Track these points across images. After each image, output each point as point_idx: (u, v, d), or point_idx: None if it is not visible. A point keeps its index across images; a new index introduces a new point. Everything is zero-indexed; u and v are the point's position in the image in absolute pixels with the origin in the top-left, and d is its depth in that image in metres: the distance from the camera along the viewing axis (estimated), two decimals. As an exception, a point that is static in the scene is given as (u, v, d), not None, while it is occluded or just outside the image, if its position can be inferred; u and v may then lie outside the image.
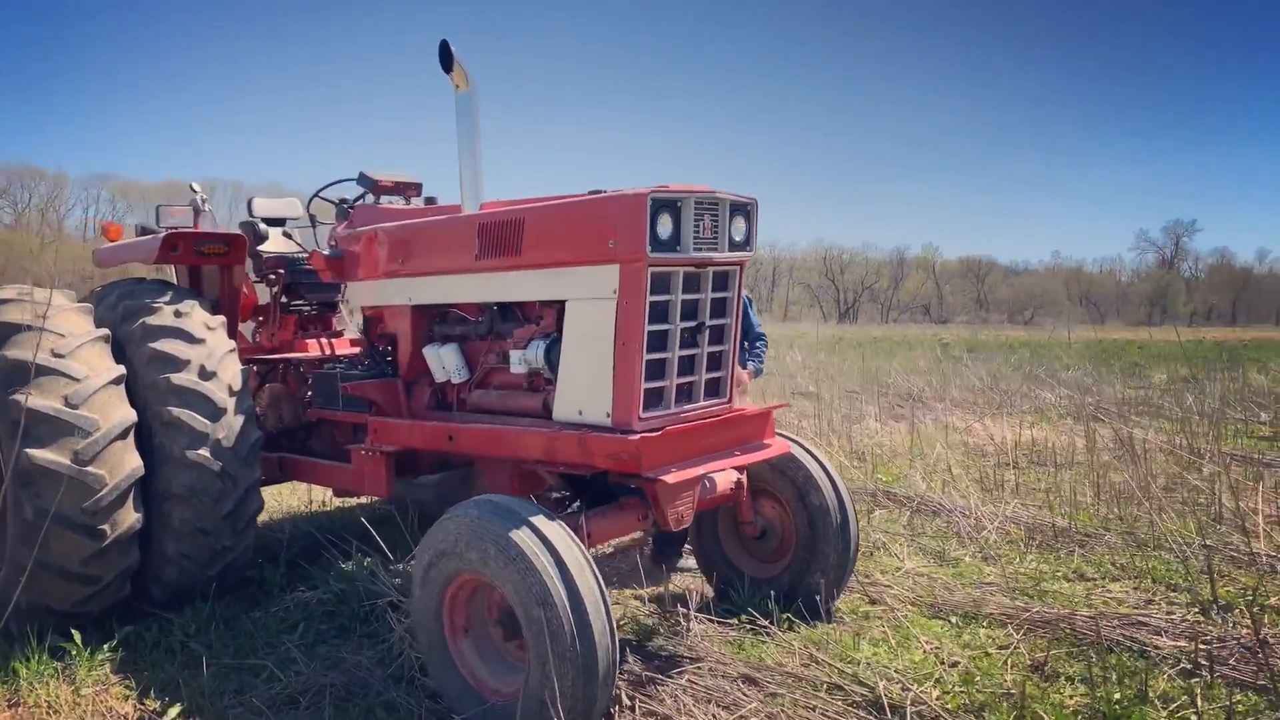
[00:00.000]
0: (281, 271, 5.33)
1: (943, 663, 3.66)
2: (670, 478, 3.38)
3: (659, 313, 3.51)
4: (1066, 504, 5.97)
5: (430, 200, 4.83)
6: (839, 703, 3.32)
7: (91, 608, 4.16)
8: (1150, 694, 3.21)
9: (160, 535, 4.30)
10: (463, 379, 4.23)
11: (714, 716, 3.21)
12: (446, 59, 3.94)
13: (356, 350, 5.37)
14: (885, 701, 3.25)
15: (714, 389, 3.89)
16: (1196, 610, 4.14)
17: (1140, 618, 3.95)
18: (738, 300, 3.87)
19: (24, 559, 3.89)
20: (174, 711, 3.46)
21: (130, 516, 4.09)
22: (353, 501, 6.57)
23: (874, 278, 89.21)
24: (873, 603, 4.34)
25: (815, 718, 3.18)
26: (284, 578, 4.91)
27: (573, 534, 3.18)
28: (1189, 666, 3.47)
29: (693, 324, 3.67)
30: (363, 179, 4.84)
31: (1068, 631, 3.85)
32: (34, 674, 3.75)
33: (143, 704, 3.60)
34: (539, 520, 3.15)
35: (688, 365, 3.73)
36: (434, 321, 4.41)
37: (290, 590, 4.77)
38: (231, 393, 4.45)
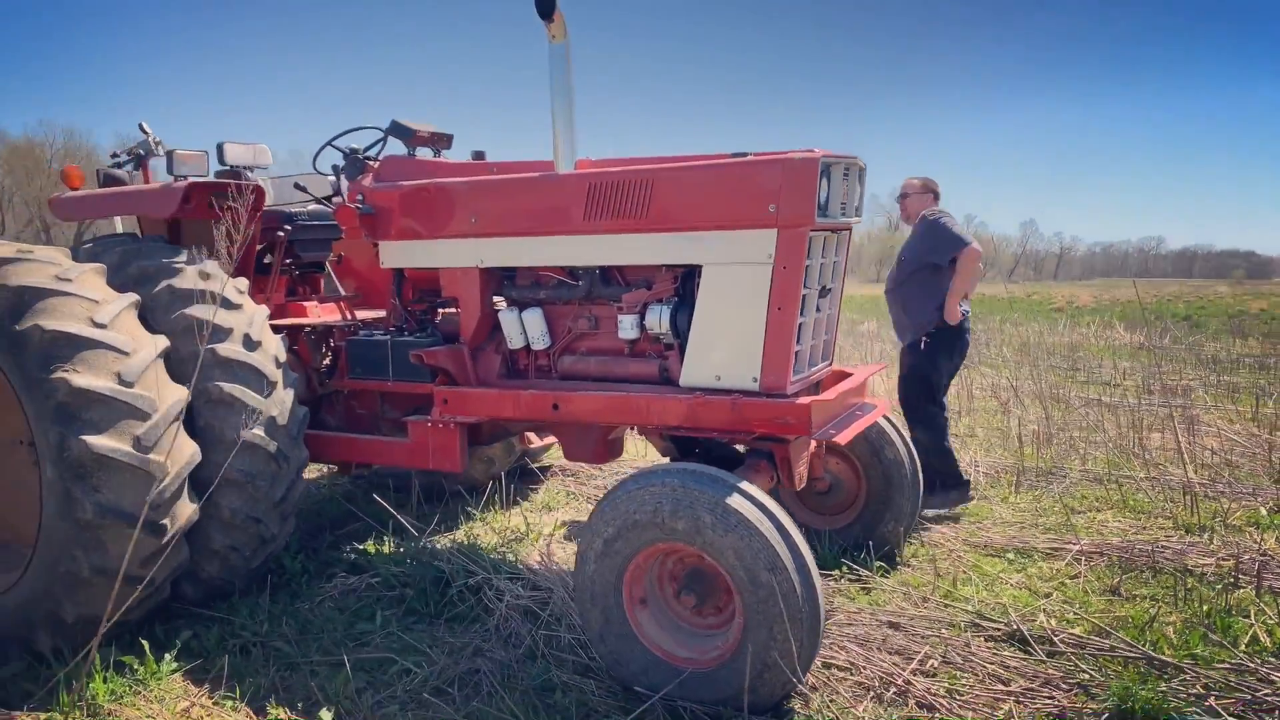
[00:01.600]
0: (289, 228, 4.77)
1: (1035, 594, 4.04)
2: (842, 438, 3.47)
3: None
4: (998, 447, 6.63)
5: (479, 155, 4.52)
6: (984, 639, 3.59)
7: (135, 614, 3.63)
8: (1231, 607, 3.73)
9: (205, 527, 3.80)
10: (544, 345, 4.05)
11: (896, 664, 3.37)
12: (547, 6, 3.69)
13: (371, 316, 4.93)
14: (1026, 633, 3.56)
15: (826, 352, 4.00)
16: (1183, 531, 4.81)
17: (1163, 543, 4.54)
18: (845, 264, 3.98)
19: (75, 565, 3.33)
20: (328, 716, 3.13)
21: (188, 509, 3.60)
22: (311, 473, 6.06)
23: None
24: (924, 546, 4.66)
25: (981, 654, 3.43)
26: (302, 563, 4.50)
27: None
28: (1230, 581, 4.05)
29: (818, 288, 3.75)
30: (397, 128, 4.45)
31: (1116, 558, 4.36)
32: (113, 695, 3.25)
33: (261, 714, 3.22)
34: (747, 486, 3.14)
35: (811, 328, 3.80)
36: (502, 285, 4.17)
37: (324, 577, 4.38)
38: (278, 364, 4.01)
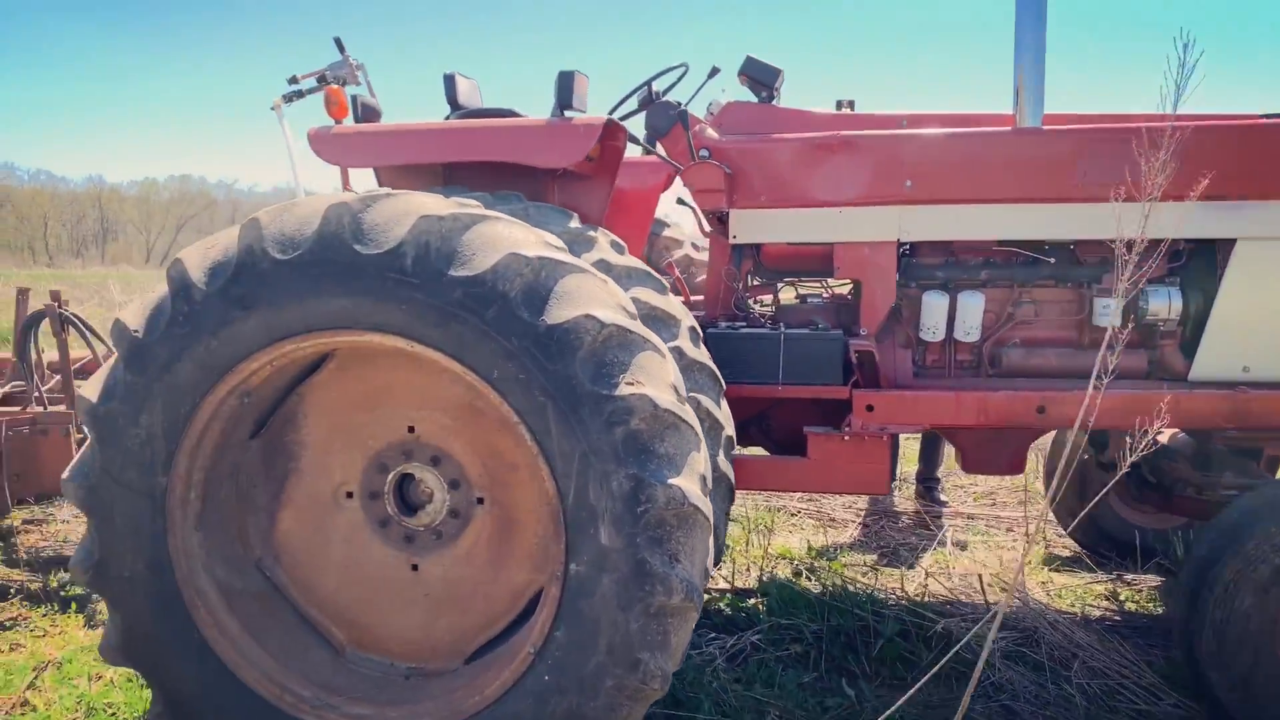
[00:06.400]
0: None
1: None
2: None
3: None
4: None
5: (848, 104, 3.70)
6: None
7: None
8: None
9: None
10: (975, 337, 3.40)
11: None
12: None
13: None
14: None
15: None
16: None
17: None
18: None
19: (636, 674, 2.24)
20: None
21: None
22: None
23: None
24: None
25: None
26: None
27: None
28: None
29: None
30: (756, 66, 3.54)
31: None
32: None
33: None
34: None
35: None
36: (916, 263, 3.45)
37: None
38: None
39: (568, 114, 3.05)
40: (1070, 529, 4.38)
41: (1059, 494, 4.30)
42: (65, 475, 2.43)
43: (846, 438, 3.32)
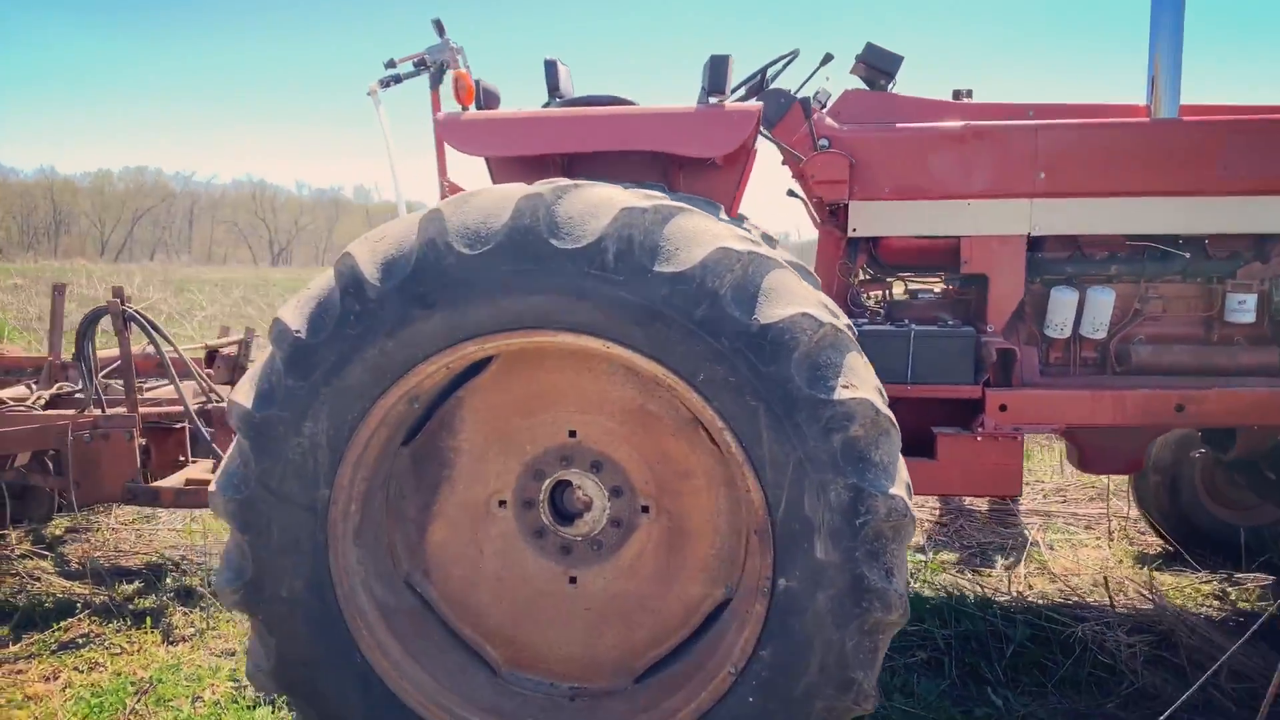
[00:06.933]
0: None
1: None
2: None
3: None
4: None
5: (966, 94, 3.58)
6: None
7: None
8: None
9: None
10: (1102, 334, 3.31)
11: None
12: None
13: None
14: None
15: None
16: None
17: None
18: None
19: (850, 693, 2.12)
20: None
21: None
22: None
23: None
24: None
25: None
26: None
27: None
28: None
29: None
30: (876, 53, 3.41)
31: None
32: None
33: None
34: None
35: None
36: (1043, 257, 3.35)
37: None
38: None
39: (712, 100, 2.90)
40: (1156, 522, 4.32)
41: (1155, 491, 4.30)
42: (212, 488, 2.25)
43: (979, 438, 3.21)
